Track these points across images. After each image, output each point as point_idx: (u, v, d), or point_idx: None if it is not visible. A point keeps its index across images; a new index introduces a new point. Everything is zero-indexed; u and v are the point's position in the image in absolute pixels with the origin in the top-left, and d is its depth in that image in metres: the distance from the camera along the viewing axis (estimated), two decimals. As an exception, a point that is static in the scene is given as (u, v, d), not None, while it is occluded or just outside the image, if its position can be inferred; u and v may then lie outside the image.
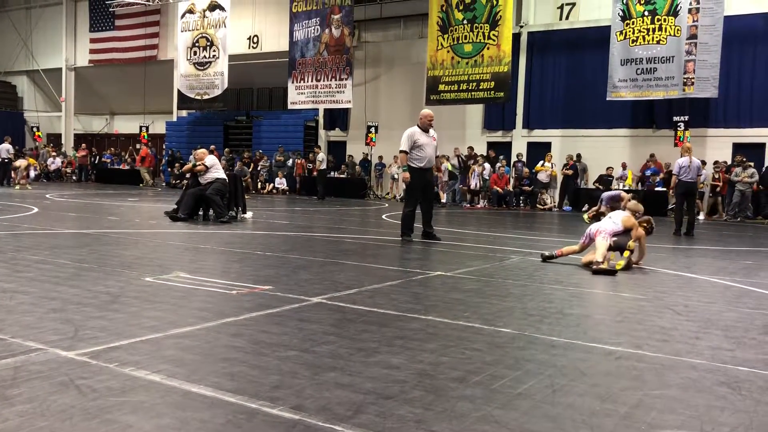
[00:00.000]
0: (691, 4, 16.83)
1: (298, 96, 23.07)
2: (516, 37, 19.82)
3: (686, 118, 17.37)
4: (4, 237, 7.56)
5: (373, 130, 21.24)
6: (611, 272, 6.27)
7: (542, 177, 19.28)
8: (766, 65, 17.38)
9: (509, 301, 4.79)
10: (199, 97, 25.28)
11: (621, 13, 17.87)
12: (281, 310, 4.14)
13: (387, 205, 18.42)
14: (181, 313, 3.95)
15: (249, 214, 11.87)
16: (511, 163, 20.10)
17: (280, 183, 23.05)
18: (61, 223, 9.90)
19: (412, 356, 3.19)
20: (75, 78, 31.09)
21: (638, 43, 17.59)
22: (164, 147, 27.40)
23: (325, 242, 8.49)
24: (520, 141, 20.77)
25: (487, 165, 19.55)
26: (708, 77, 16.73)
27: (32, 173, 24.31)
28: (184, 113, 27.64)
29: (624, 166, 18.48)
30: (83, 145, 28.81)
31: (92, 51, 29.49)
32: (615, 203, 11.75)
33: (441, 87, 20.32)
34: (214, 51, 24.68)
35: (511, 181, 19.65)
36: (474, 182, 19.53)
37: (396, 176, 20.76)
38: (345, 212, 14.83)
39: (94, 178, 27.42)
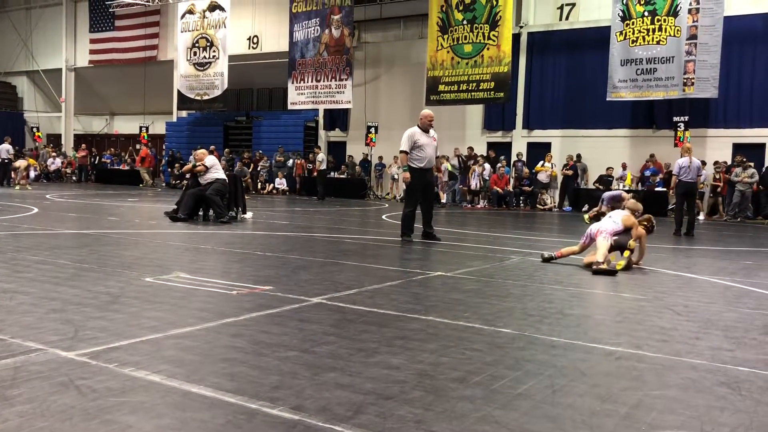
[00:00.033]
0: (691, 4, 16.83)
1: (298, 96, 23.07)
2: (516, 38, 19.83)
3: (686, 118, 17.38)
4: (5, 237, 7.56)
5: (372, 130, 21.25)
6: (611, 272, 6.27)
7: (542, 177, 19.29)
8: (765, 65, 17.38)
9: (509, 301, 4.79)
10: (199, 98, 25.28)
11: (621, 14, 17.88)
12: (281, 310, 4.14)
13: (387, 205, 18.42)
14: (181, 314, 3.95)
15: (249, 215, 11.87)
16: (511, 163, 20.11)
17: (280, 183, 23.06)
18: (61, 223, 9.90)
19: (412, 356, 3.18)
20: (75, 78, 31.10)
21: (638, 44, 17.60)
22: (164, 147, 27.41)
23: (325, 242, 8.49)
24: (520, 141, 20.78)
25: (487, 165, 19.55)
26: (708, 77, 16.73)
27: (32, 174, 24.32)
28: (184, 114, 27.65)
29: (624, 167, 18.48)
30: (83, 145, 28.82)
31: (92, 51, 29.49)
32: (616, 203, 11.74)
33: (441, 87, 20.33)
34: (214, 51, 24.69)
35: (511, 181, 19.65)
36: (474, 182, 19.53)
37: (396, 176, 20.77)
38: (345, 212, 14.83)
39: (93, 179, 27.43)
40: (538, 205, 19.13)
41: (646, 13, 17.47)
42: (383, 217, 13.68)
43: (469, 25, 19.71)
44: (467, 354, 3.28)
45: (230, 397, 2.53)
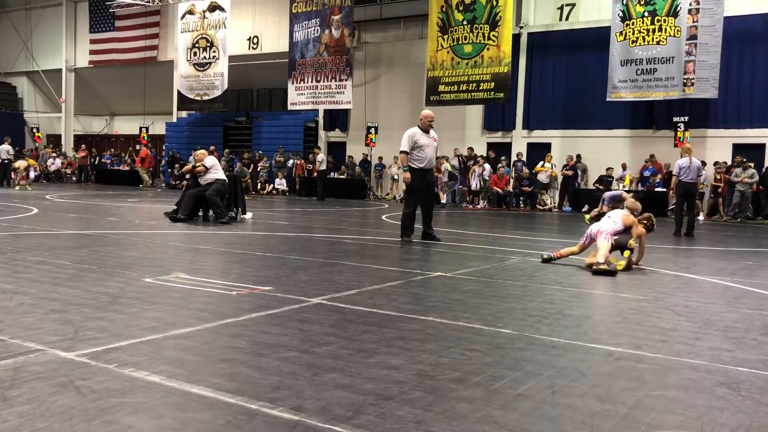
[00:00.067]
0: (690, 4, 16.83)
1: (298, 97, 23.07)
2: (516, 38, 19.83)
3: (686, 118, 17.38)
4: (4, 238, 7.56)
5: (372, 130, 21.25)
6: (611, 273, 6.27)
7: (542, 177, 19.29)
8: (765, 66, 17.39)
9: (509, 301, 4.79)
10: (199, 98, 25.28)
11: (621, 14, 17.88)
12: (281, 310, 4.14)
13: (387, 205, 18.42)
14: (181, 314, 3.95)
15: (249, 215, 11.87)
16: (511, 163, 20.11)
17: (280, 184, 23.06)
18: (61, 223, 9.90)
19: (412, 357, 3.19)
20: (75, 79, 31.10)
21: (638, 44, 17.60)
22: (164, 148, 27.41)
23: (325, 243, 8.49)
24: (519, 142, 20.78)
25: (487, 165, 19.55)
26: (708, 78, 16.73)
27: (32, 174, 24.32)
28: (184, 114, 27.65)
29: (624, 167, 18.49)
30: (83, 146, 28.83)
31: (92, 52, 29.49)
32: (617, 203, 11.74)
33: (441, 88, 20.33)
34: (214, 52, 24.69)
35: (511, 181, 19.65)
36: (474, 183, 19.53)
37: (396, 177, 20.77)
38: (345, 213, 14.83)
39: (93, 179, 27.43)
40: (538, 206, 19.12)
41: (646, 14, 17.48)
42: (383, 217, 13.68)
43: (469, 26, 19.71)
44: (467, 354, 3.28)
45: (230, 398, 2.53)
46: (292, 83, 23.11)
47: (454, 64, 20.06)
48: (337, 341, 3.43)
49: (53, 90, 31.52)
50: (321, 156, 20.92)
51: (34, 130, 30.30)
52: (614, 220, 6.85)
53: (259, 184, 23.25)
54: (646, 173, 18.09)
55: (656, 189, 17.43)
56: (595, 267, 6.34)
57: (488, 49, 19.46)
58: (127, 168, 26.89)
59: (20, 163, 20.93)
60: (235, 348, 3.24)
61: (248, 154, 24.21)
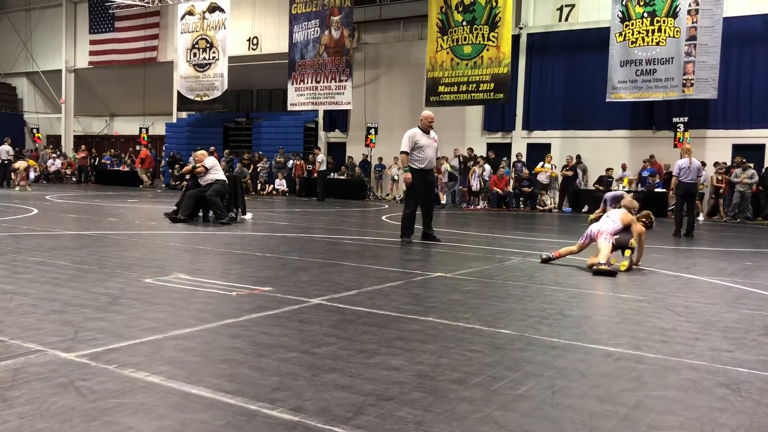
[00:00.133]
0: (690, 5, 16.85)
1: (298, 97, 23.08)
2: (515, 39, 19.84)
3: (686, 119, 17.40)
4: (4, 238, 7.56)
5: (372, 131, 21.25)
6: (612, 273, 6.27)
7: (542, 178, 19.30)
8: (765, 66, 17.40)
9: (509, 302, 4.79)
10: (198, 99, 25.29)
11: (620, 15, 17.89)
12: (281, 311, 4.14)
13: (387, 206, 18.42)
14: (181, 315, 3.95)
15: (249, 216, 11.86)
16: (511, 164, 20.11)
17: (280, 184, 23.06)
18: (61, 224, 9.90)
19: (412, 358, 3.19)
20: (75, 79, 31.11)
21: (637, 45, 17.61)
22: (164, 148, 27.42)
23: (325, 243, 8.49)
24: (519, 142, 20.79)
25: (487, 166, 19.55)
26: (707, 78, 16.74)
27: (32, 175, 24.32)
28: (183, 115, 27.65)
29: (624, 168, 18.49)
30: (83, 146, 28.83)
31: (92, 53, 29.50)
32: (618, 203, 11.76)
33: (440, 88, 20.34)
34: (214, 52, 24.69)
35: (511, 182, 19.66)
36: (474, 183, 19.53)
37: (396, 177, 20.78)
38: (345, 213, 14.83)
39: (93, 180, 27.44)
40: (537, 206, 19.13)
41: (645, 14, 17.49)
42: (383, 218, 13.68)
43: (468, 27, 19.72)
44: (467, 355, 3.28)
45: (230, 398, 2.53)
46: (292, 84, 23.12)
47: (454, 64, 20.07)
48: (337, 342, 3.43)
49: (53, 91, 31.52)
50: (321, 156, 20.92)
51: (34, 131, 30.31)
52: (613, 219, 6.85)
53: (259, 185, 23.25)
54: (645, 173, 18.09)
55: (656, 189, 17.43)
56: (596, 267, 6.34)
57: (488, 49, 19.47)
58: (127, 169, 26.89)
59: (20, 164, 20.92)
60: (235, 348, 3.24)
61: (248, 155, 24.22)
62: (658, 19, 17.29)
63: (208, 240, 8.27)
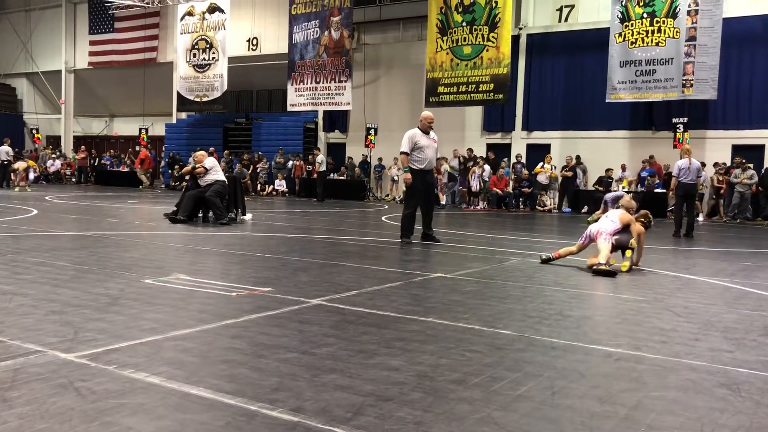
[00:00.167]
0: (690, 5, 16.85)
1: (298, 98, 23.08)
2: (515, 39, 19.84)
3: (685, 119, 17.41)
4: (4, 239, 7.56)
5: (372, 131, 21.26)
6: (611, 274, 6.27)
7: (542, 179, 19.30)
8: (764, 67, 17.41)
9: (509, 302, 4.79)
10: (198, 99, 25.29)
11: (620, 15, 17.90)
12: (281, 312, 4.14)
13: (386, 206, 18.43)
14: (181, 315, 3.95)
15: (248, 216, 11.86)
16: (510, 165, 20.11)
17: (280, 185, 23.06)
18: (61, 225, 9.90)
19: (412, 358, 3.19)
20: (74, 80, 31.11)
21: (637, 45, 17.62)
22: (164, 149, 27.41)
23: (325, 244, 8.49)
24: (519, 143, 20.79)
25: (486, 167, 19.55)
26: (707, 79, 16.75)
27: (31, 175, 24.32)
28: (183, 115, 27.65)
29: (624, 168, 18.50)
30: (83, 147, 28.83)
31: (92, 53, 29.50)
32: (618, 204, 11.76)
33: (440, 89, 20.34)
34: (214, 53, 24.70)
35: (511, 182, 19.66)
36: (474, 184, 19.54)
37: (396, 178, 20.79)
38: (344, 214, 14.83)
39: (93, 181, 27.43)
40: (537, 207, 19.13)
41: (645, 15, 17.49)
42: (383, 218, 13.68)
43: (468, 27, 19.72)
44: (467, 355, 3.28)
45: (230, 399, 2.53)
46: (292, 84, 23.12)
47: (454, 65, 20.07)
48: (337, 342, 3.43)
49: (53, 91, 31.52)
50: (320, 157, 20.92)
51: (34, 132, 30.30)
52: (612, 219, 6.86)
53: (259, 186, 23.25)
54: (644, 174, 18.10)
55: (655, 190, 17.44)
56: (596, 267, 6.35)
57: (487, 50, 19.47)
58: (126, 169, 26.89)
59: (20, 165, 20.92)
60: (235, 349, 3.24)
61: (248, 156, 24.22)
62: (658, 19, 17.30)
63: (208, 240, 8.27)
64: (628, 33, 17.75)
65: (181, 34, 25.52)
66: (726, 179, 16.83)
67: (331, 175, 22.46)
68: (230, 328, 3.68)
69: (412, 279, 5.70)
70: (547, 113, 20.43)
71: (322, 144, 24.41)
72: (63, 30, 30.53)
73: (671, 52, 17.14)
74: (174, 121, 27.72)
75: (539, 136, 20.64)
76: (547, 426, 2.38)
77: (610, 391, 2.81)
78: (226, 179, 11.17)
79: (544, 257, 7.05)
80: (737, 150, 17.60)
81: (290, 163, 23.29)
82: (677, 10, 17.02)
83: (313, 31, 22.46)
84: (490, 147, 21.13)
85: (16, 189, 19.93)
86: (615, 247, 6.67)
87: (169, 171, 25.23)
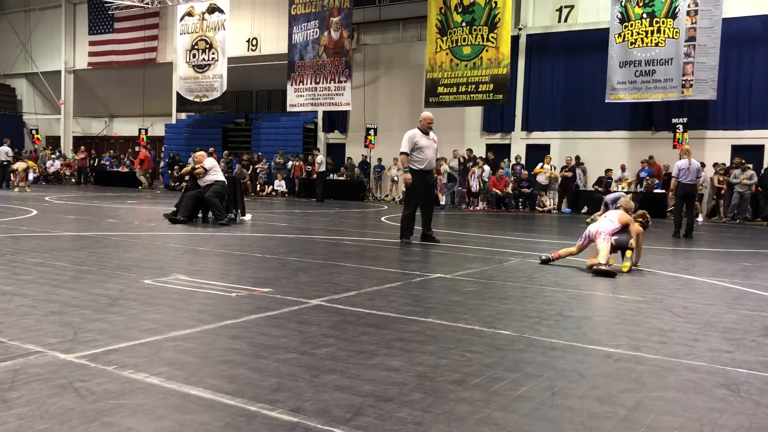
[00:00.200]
0: (689, 6, 16.86)
1: (297, 98, 23.08)
2: (515, 40, 19.85)
3: (685, 120, 17.42)
4: (3, 239, 7.56)
5: (371, 132, 21.26)
6: (611, 274, 6.27)
7: (541, 179, 19.30)
8: (764, 67, 17.42)
9: (508, 303, 4.79)
10: (198, 100, 25.29)
11: (619, 16, 17.91)
12: (280, 312, 4.14)
13: (386, 207, 18.43)
14: (180, 316, 3.95)
15: (248, 217, 11.86)
16: (510, 166, 20.11)
17: (279, 185, 23.06)
18: (60, 225, 9.89)
19: (412, 358, 3.18)
20: (74, 81, 31.10)
21: (637, 46, 17.63)
22: (163, 149, 27.41)
23: (324, 244, 8.49)
24: (519, 143, 20.80)
25: (486, 167, 19.56)
26: (706, 79, 16.76)
27: (31, 176, 24.32)
28: (183, 116, 27.65)
29: (623, 168, 18.50)
30: (82, 147, 28.82)
31: (91, 54, 29.50)
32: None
33: (440, 89, 20.35)
34: (213, 53, 24.70)
35: (510, 183, 19.66)
36: (474, 184, 19.54)
37: (396, 178, 20.79)
38: (344, 214, 14.83)
39: (93, 181, 27.43)
40: (537, 207, 19.13)
41: (644, 15, 17.50)
42: (382, 219, 13.68)
43: (467, 27, 19.73)
44: (466, 356, 3.28)
45: (229, 399, 2.53)
46: (291, 85, 23.13)
47: (453, 65, 20.08)
48: (337, 343, 3.43)
49: (52, 92, 31.52)
50: (320, 157, 20.92)
51: (33, 132, 30.31)
52: (611, 219, 6.86)
53: (259, 186, 23.25)
54: (643, 174, 18.11)
55: (655, 190, 17.45)
56: (596, 267, 6.35)
57: (487, 50, 19.48)
58: (126, 170, 26.88)
59: (19, 165, 20.92)
60: (235, 350, 3.24)
61: (247, 156, 24.23)
62: (658, 20, 17.31)
63: (208, 241, 8.27)
64: (628, 33, 17.76)
65: (181, 34, 25.52)
66: (726, 180, 16.83)
67: (331, 175, 22.46)
68: (230, 328, 3.68)
69: (411, 279, 5.70)
70: (546, 114, 20.44)
71: (321, 144, 24.41)
72: (63, 30, 30.53)
73: (671, 53, 17.14)
74: (173, 121, 27.72)
75: (539, 137, 20.64)
76: (546, 426, 2.38)
77: (610, 391, 2.81)
78: (225, 180, 11.17)
79: (543, 258, 7.05)
80: (737, 150, 17.61)
81: (290, 163, 23.29)
82: (677, 10, 17.03)
83: (313, 32, 22.47)
84: (489, 147, 21.13)
85: (16, 189, 19.93)
86: (614, 248, 6.68)
87: (169, 171, 25.22)
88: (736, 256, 8.72)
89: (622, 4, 17.80)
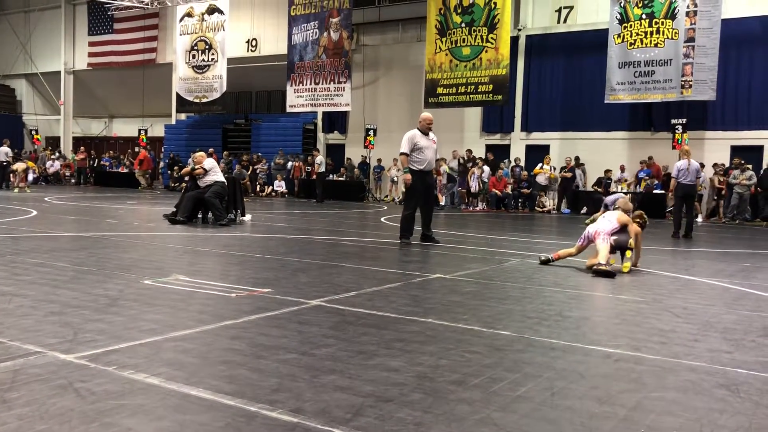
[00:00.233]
0: (688, 7, 16.87)
1: (297, 99, 23.08)
2: (514, 41, 19.85)
3: (684, 120, 17.43)
4: (3, 240, 7.56)
5: (371, 132, 21.26)
6: (611, 274, 6.28)
7: (541, 180, 19.31)
8: (763, 68, 17.43)
9: (508, 303, 4.79)
10: (197, 100, 25.29)
11: (619, 16, 17.92)
12: (280, 312, 4.14)
13: (386, 207, 18.43)
14: (180, 316, 3.95)
15: (248, 217, 11.86)
16: (509, 168, 20.11)
17: (279, 186, 23.06)
18: (60, 226, 9.89)
19: (411, 359, 3.19)
20: (74, 81, 31.09)
21: (636, 46, 17.64)
22: (163, 150, 27.41)
23: (324, 245, 8.49)
24: (518, 144, 20.81)
25: (486, 167, 19.56)
26: (706, 80, 16.76)
27: (30, 176, 24.30)
28: (182, 116, 27.65)
29: (622, 169, 18.51)
30: (82, 148, 28.81)
31: (91, 54, 29.50)
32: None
33: (439, 90, 20.35)
34: (213, 54, 24.70)
35: (509, 184, 19.66)
36: (473, 185, 19.54)
37: (395, 179, 20.79)
38: (344, 215, 14.83)
39: (92, 182, 27.42)
40: (536, 208, 19.14)
41: (643, 16, 17.51)
42: (382, 219, 13.68)
43: (467, 28, 19.73)
44: (466, 356, 3.28)
45: (229, 400, 2.53)
46: (291, 85, 23.13)
47: (453, 66, 20.08)
48: (337, 343, 3.43)
49: (52, 92, 31.51)
50: (320, 158, 20.93)
51: (33, 133, 30.29)
52: (609, 219, 6.88)
53: (258, 186, 23.25)
54: (641, 174, 18.11)
55: (654, 191, 17.45)
56: (596, 267, 6.36)
57: (486, 51, 19.49)
58: (125, 170, 26.88)
59: (19, 165, 20.91)
60: (235, 350, 3.24)
61: (247, 157, 24.22)
62: (657, 20, 17.32)
63: (207, 241, 8.27)
64: (627, 34, 17.77)
65: (181, 35, 25.52)
66: (725, 180, 16.84)
67: (331, 176, 22.46)
68: (230, 329, 3.68)
69: (411, 280, 5.70)
70: (546, 114, 20.44)
71: (321, 145, 24.41)
72: (62, 31, 30.52)
73: (670, 53, 17.15)
74: (173, 122, 27.71)
75: (538, 137, 20.65)
76: (546, 427, 2.38)
77: (610, 391, 2.81)
78: (225, 180, 11.17)
79: (543, 258, 7.05)
80: (736, 151, 17.62)
81: (289, 164, 23.29)
82: (676, 11, 17.05)
83: (313, 32, 22.47)
84: (489, 148, 21.13)
85: (16, 190, 19.92)
86: (614, 248, 6.69)
87: (168, 172, 25.21)
88: (735, 257, 8.73)
89: (622, 4, 17.81)
